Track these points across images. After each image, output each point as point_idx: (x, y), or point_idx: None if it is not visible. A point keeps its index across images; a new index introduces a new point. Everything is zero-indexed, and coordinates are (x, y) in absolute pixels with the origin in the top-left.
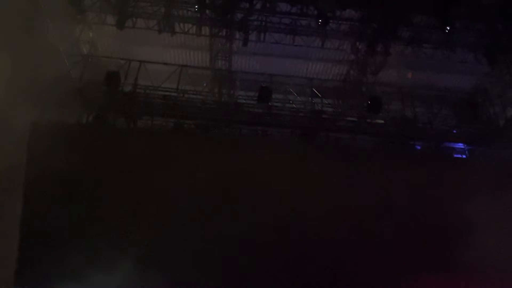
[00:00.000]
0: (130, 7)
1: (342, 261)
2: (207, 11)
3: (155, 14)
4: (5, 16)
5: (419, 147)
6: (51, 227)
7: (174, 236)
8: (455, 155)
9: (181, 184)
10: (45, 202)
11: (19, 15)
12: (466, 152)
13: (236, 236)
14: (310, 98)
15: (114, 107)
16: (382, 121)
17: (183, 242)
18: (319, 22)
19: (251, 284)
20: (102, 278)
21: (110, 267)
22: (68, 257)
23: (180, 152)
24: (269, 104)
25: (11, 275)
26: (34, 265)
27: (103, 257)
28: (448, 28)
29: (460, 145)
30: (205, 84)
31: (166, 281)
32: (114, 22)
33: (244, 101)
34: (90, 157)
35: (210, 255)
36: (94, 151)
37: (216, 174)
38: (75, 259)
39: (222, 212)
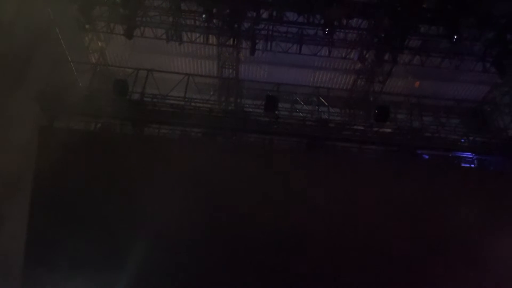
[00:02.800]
0: (139, 16)
1: (350, 272)
2: (215, 21)
3: (163, 24)
4: (15, 25)
5: (427, 157)
6: (58, 230)
7: (178, 244)
8: (463, 165)
9: (187, 192)
10: (52, 205)
11: (30, 24)
12: (475, 161)
13: (239, 244)
14: (316, 107)
15: (121, 115)
16: (390, 130)
17: (187, 251)
18: (326, 31)
19: None
20: (108, 280)
21: (115, 270)
22: (74, 260)
23: (187, 160)
24: (276, 112)
25: (17, 276)
26: (41, 267)
27: (108, 261)
28: (455, 37)
29: (469, 155)
30: (212, 93)
31: None
32: (122, 31)
33: (250, 110)
34: (97, 164)
35: (214, 265)
36: (101, 158)
37: (222, 183)
38: (82, 261)
39: (228, 221)
